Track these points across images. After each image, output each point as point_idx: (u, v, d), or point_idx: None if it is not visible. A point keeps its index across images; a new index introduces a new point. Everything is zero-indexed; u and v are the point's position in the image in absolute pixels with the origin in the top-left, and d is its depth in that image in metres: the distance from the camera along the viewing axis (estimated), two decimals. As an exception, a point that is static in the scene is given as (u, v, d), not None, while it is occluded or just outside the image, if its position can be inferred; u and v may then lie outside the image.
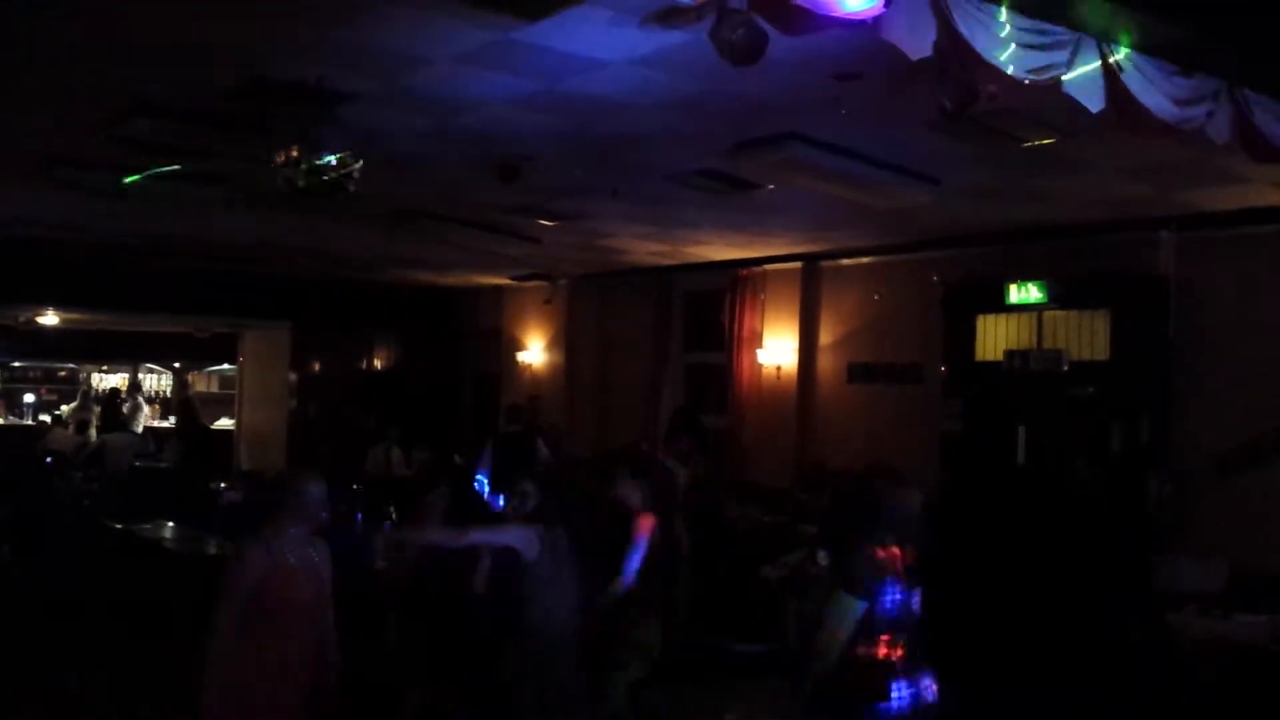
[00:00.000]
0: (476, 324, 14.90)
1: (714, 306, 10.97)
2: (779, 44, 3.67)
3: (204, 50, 4.67)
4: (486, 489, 9.23)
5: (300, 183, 5.44)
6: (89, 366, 18.47)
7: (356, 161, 5.57)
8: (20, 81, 5.25)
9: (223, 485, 10.74)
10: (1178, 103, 4.00)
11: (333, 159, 5.47)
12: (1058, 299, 7.74)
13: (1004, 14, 3.53)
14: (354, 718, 4.82)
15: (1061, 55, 3.68)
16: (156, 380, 19.41)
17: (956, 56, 3.46)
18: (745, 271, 10.58)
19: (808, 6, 3.23)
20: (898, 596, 3.87)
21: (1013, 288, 7.92)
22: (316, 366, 15.20)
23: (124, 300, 13.05)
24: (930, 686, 3.97)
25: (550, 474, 5.37)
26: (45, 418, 16.24)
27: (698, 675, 6.57)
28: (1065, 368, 7.57)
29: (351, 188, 5.41)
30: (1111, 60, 3.79)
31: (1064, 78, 3.70)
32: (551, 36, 4.35)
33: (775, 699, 4.25)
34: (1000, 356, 7.98)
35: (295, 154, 5.44)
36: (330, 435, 13.81)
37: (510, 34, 4.33)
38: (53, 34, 4.53)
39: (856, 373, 9.77)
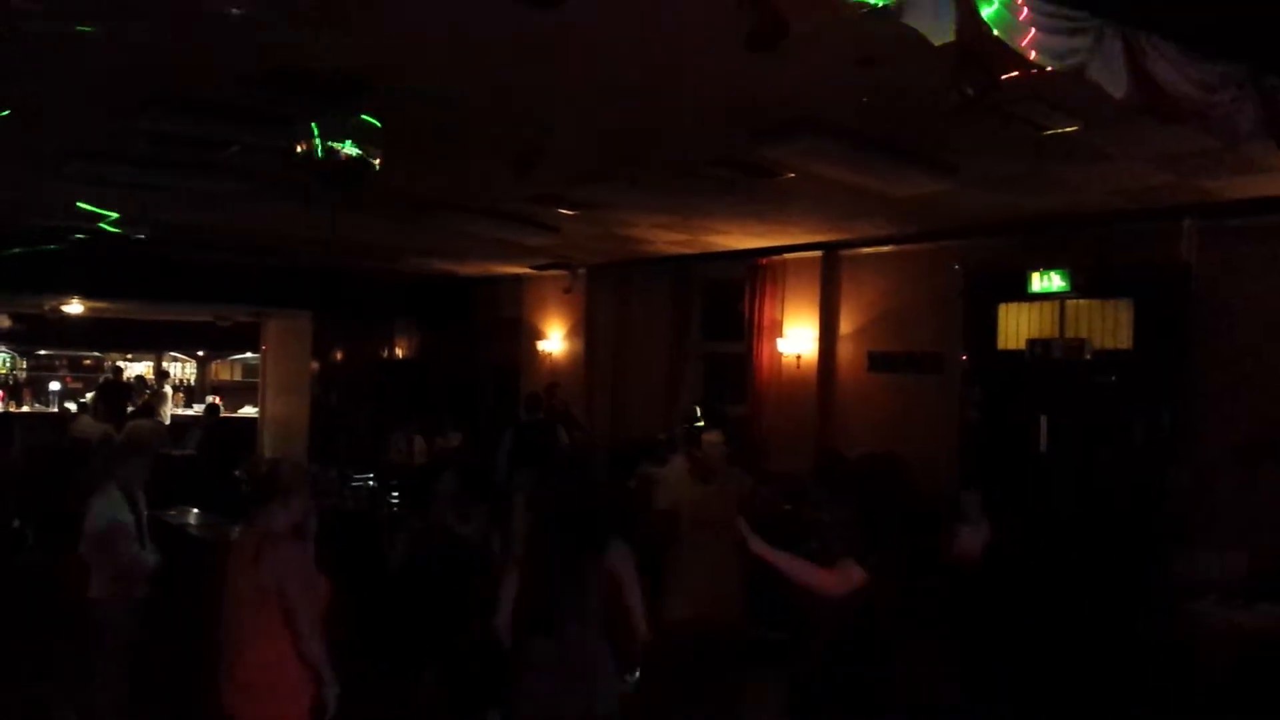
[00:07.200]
0: (496, 313, 14.93)
1: (733, 295, 10.95)
2: (798, 30, 3.66)
3: (223, 40, 4.68)
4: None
5: (320, 173, 5.46)
6: (114, 355, 18.62)
7: (376, 152, 5.60)
8: (41, 75, 5.29)
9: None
10: (1203, 88, 3.96)
11: (353, 149, 5.49)
12: (1080, 288, 7.68)
13: (1027, -1, 3.50)
14: (372, 690, 4.83)
15: (1085, 40, 3.65)
16: (181, 368, 19.57)
17: (979, 42, 3.44)
18: (765, 260, 10.55)
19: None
20: None
21: (1035, 276, 7.87)
22: (338, 355, 15.29)
23: (148, 290, 13.15)
24: None
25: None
26: (71, 405, 16.37)
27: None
28: (1088, 357, 7.52)
29: (372, 172, 5.42)
30: (1135, 45, 3.76)
31: (1088, 63, 3.67)
32: (571, 24, 4.34)
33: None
34: (1022, 345, 7.94)
35: (315, 144, 5.47)
36: (350, 423, 13.90)
37: (530, 21, 4.33)
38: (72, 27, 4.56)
39: (877, 362, 9.75)
